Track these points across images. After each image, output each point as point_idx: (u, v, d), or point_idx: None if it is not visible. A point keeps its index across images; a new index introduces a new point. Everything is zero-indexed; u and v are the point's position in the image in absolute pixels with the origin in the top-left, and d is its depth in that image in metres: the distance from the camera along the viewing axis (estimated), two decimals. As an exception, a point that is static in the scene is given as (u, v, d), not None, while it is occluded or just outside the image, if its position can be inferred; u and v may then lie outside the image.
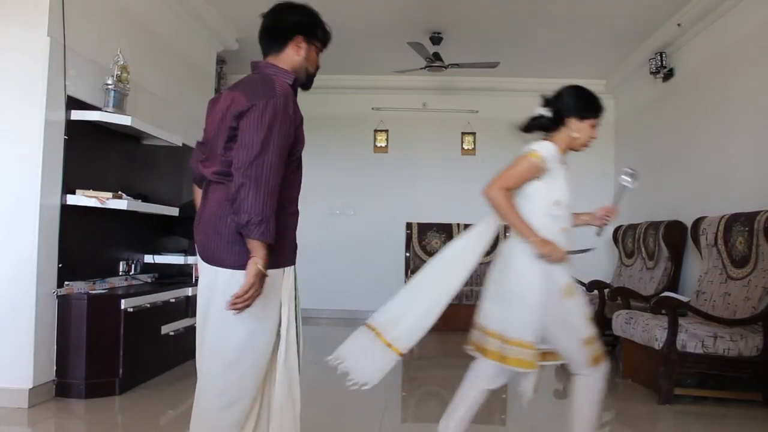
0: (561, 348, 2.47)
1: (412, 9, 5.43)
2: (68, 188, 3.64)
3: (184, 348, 4.49)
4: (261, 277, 1.84)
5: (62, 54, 3.55)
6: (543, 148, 2.42)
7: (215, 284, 1.96)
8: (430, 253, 7.42)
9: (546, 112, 2.53)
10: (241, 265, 1.87)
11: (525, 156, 2.42)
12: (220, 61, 6.47)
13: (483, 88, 7.52)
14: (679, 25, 5.35)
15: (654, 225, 5.67)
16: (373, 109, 7.67)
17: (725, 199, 4.74)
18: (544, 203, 2.44)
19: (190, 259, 4.65)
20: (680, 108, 5.69)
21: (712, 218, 4.51)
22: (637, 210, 6.64)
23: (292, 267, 2.07)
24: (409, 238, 7.47)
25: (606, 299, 5.30)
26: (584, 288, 6.16)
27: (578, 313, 2.42)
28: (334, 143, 7.51)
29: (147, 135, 4.29)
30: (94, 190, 3.74)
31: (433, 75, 6.71)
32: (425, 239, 7.47)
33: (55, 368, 3.53)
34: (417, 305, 2.47)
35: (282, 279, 2.02)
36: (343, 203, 7.64)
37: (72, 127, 3.66)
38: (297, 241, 2.10)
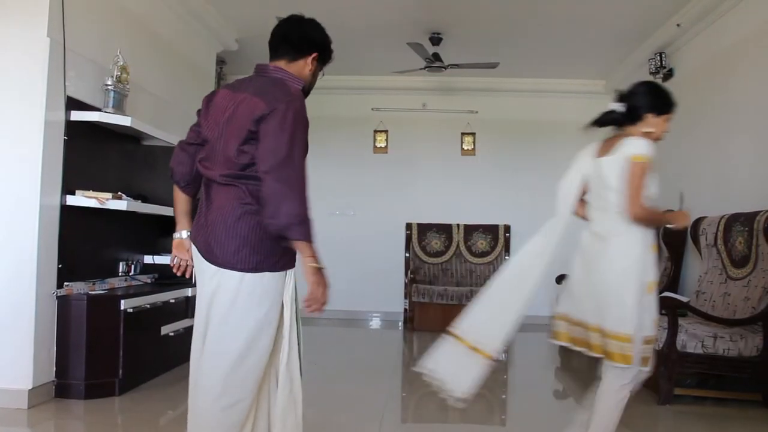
0: None
1: (412, 9, 5.43)
2: (68, 189, 3.64)
3: (183, 348, 4.46)
4: (321, 273, 1.94)
5: (62, 54, 3.55)
6: (644, 148, 2.46)
7: (224, 286, 1.97)
8: (430, 254, 7.43)
9: (620, 108, 2.57)
10: (252, 268, 1.94)
11: (635, 164, 2.43)
12: (220, 62, 6.48)
13: (483, 89, 7.52)
14: (678, 25, 5.35)
15: (654, 225, 5.67)
16: (372, 109, 7.67)
17: (725, 199, 4.74)
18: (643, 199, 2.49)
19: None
20: (680, 108, 5.63)
21: (712, 218, 4.51)
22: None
23: (293, 270, 2.09)
24: (408, 238, 7.48)
25: (606, 299, 5.29)
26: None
27: (652, 311, 2.47)
28: (334, 144, 7.50)
29: (147, 135, 4.29)
30: (93, 190, 3.74)
31: (433, 75, 6.72)
32: (425, 239, 7.48)
33: (54, 369, 3.53)
34: (497, 306, 2.54)
35: (284, 282, 2.05)
36: (342, 204, 7.64)
37: (72, 127, 3.66)
38: None
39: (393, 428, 3.45)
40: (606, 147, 2.58)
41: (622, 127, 2.57)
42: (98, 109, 3.84)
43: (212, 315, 1.99)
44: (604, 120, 2.61)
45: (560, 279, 6.74)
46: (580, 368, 5.24)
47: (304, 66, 2.09)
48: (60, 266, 3.57)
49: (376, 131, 7.75)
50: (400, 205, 7.64)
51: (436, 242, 7.47)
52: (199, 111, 2.15)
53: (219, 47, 6.08)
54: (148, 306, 3.96)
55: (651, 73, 5.95)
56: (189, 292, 4.51)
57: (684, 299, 4.28)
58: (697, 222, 4.70)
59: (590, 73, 7.23)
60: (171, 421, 3.42)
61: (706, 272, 4.47)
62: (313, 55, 2.10)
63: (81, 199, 3.66)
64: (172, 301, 4.29)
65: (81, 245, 3.81)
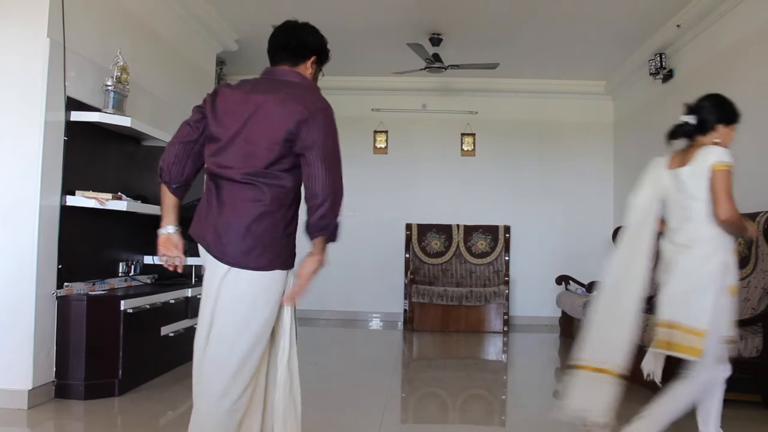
0: None
1: (412, 10, 5.43)
2: (68, 189, 3.64)
3: (183, 349, 4.48)
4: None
5: (62, 55, 3.55)
6: (724, 155, 2.57)
7: (235, 285, 1.98)
8: (430, 254, 7.43)
9: (691, 120, 2.73)
10: (264, 266, 1.98)
11: (720, 171, 2.55)
12: (220, 62, 6.48)
13: (483, 89, 7.53)
14: (678, 26, 5.36)
15: (654, 226, 5.67)
16: (372, 110, 7.68)
17: (725, 200, 4.73)
18: None
19: (190, 260, 4.63)
20: (680, 109, 5.66)
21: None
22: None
23: (293, 269, 2.11)
24: (408, 239, 7.48)
25: (606, 300, 5.29)
26: (584, 289, 6.18)
27: (730, 313, 2.61)
28: (334, 144, 7.49)
29: (146, 136, 4.29)
30: (93, 191, 3.74)
31: (433, 76, 6.72)
32: (425, 240, 7.48)
33: (54, 369, 3.53)
34: (608, 326, 2.67)
35: (286, 280, 2.07)
36: (342, 204, 7.63)
37: (72, 128, 3.66)
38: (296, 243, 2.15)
39: (393, 428, 3.45)
40: (680, 158, 2.71)
41: (692, 139, 2.72)
42: (98, 110, 3.84)
43: (220, 313, 2.00)
44: (677, 132, 2.77)
45: (560, 280, 6.76)
46: (579, 369, 5.24)
47: (304, 70, 2.16)
48: (60, 266, 3.57)
49: (376, 132, 7.76)
50: (400, 205, 7.64)
51: (436, 243, 7.47)
52: (198, 107, 2.15)
53: (219, 48, 6.08)
54: (148, 306, 3.96)
55: (651, 74, 5.96)
56: (189, 292, 4.51)
57: (684, 300, 4.27)
58: (697, 223, 4.70)
59: (590, 73, 7.24)
60: (171, 421, 3.42)
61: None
62: (312, 58, 2.17)
63: (81, 199, 3.66)
64: (172, 301, 4.29)
65: (81, 245, 3.81)
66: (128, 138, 4.35)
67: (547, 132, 7.66)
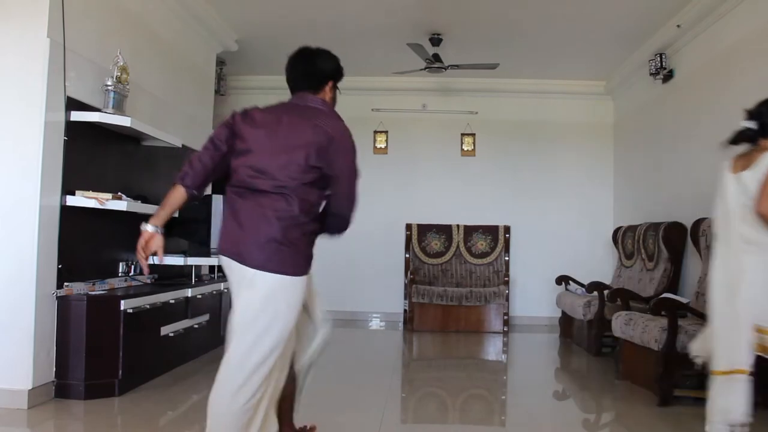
0: None
1: (412, 10, 5.43)
2: (68, 189, 3.64)
3: (183, 349, 4.49)
4: None
5: (62, 55, 3.55)
6: None
7: (277, 289, 2.18)
8: (430, 254, 7.43)
9: (752, 125, 2.82)
10: (301, 271, 2.23)
11: None
12: (220, 63, 6.47)
13: (483, 90, 7.53)
14: (678, 26, 5.36)
15: (654, 226, 5.68)
16: (372, 110, 7.68)
17: (725, 200, 4.73)
18: None
19: (190, 260, 4.65)
20: (680, 109, 5.69)
21: (712, 219, 4.50)
22: (637, 211, 6.65)
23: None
24: (408, 239, 7.48)
25: (605, 300, 5.30)
26: (584, 289, 6.18)
27: None
28: (334, 144, 7.48)
29: (146, 136, 4.30)
30: (93, 191, 3.74)
31: (433, 76, 6.72)
32: (425, 240, 7.48)
33: (54, 369, 3.53)
34: (727, 331, 2.77)
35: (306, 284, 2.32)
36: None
37: (72, 128, 3.66)
38: None
39: (393, 428, 3.45)
40: (742, 162, 2.80)
41: (755, 143, 2.81)
42: (98, 110, 3.84)
43: (260, 318, 2.18)
44: (739, 138, 2.86)
45: (560, 280, 6.76)
46: (579, 369, 5.25)
47: (324, 95, 2.43)
48: (60, 266, 3.58)
49: (376, 132, 7.76)
50: (400, 205, 7.64)
51: (435, 243, 7.47)
52: (226, 125, 2.34)
53: (219, 48, 6.08)
54: (148, 306, 3.96)
55: (651, 74, 5.96)
56: (189, 292, 4.52)
57: (684, 300, 4.28)
58: (697, 223, 4.70)
59: (590, 73, 7.24)
60: (171, 421, 3.42)
61: (706, 273, 4.46)
62: (330, 83, 2.45)
63: (81, 199, 3.66)
64: (172, 301, 4.29)
65: (81, 245, 3.82)
66: (128, 138, 4.35)
67: (547, 132, 7.66)
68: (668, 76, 5.82)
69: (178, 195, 2.34)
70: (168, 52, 5.05)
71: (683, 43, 5.54)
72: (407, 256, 7.42)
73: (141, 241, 2.34)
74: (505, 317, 6.80)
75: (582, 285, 6.41)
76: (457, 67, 6.12)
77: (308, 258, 2.29)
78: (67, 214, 3.63)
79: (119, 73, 3.91)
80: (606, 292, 5.34)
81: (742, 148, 2.88)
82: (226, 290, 5.01)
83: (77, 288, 3.70)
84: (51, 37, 3.48)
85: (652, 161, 6.34)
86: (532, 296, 7.47)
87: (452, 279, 7.34)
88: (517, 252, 7.52)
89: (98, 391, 3.58)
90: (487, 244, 7.42)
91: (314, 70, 2.39)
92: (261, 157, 2.23)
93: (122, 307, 3.69)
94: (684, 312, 4.00)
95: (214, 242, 4.66)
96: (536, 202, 7.66)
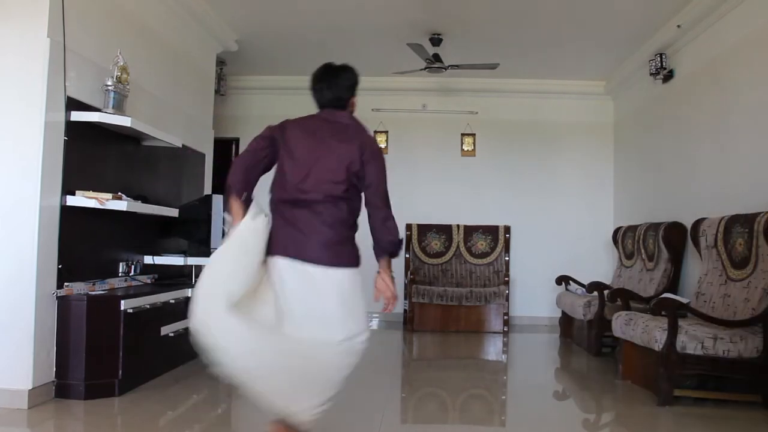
0: None
1: (412, 10, 5.43)
2: (68, 189, 3.64)
3: (183, 349, 4.49)
4: None
5: (62, 55, 3.55)
6: None
7: (343, 279, 2.69)
8: (430, 255, 7.43)
9: None
10: (356, 263, 2.79)
11: None
12: (220, 62, 6.47)
13: (483, 90, 7.53)
14: (679, 26, 5.35)
15: (654, 226, 5.68)
16: (372, 110, 7.67)
17: (725, 200, 4.74)
18: None
19: (190, 260, 4.65)
20: (680, 109, 5.69)
21: (712, 219, 4.51)
22: (637, 211, 6.65)
23: None
24: (408, 239, 7.48)
25: (606, 300, 5.30)
26: (584, 289, 6.18)
27: None
28: (334, 144, 7.48)
29: (147, 136, 4.29)
30: (93, 191, 3.74)
31: (433, 76, 6.72)
32: (425, 240, 7.48)
33: (54, 369, 3.53)
34: None
35: None
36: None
37: (72, 128, 3.66)
38: None
39: (393, 428, 3.45)
40: None
41: None
42: (98, 110, 3.84)
43: (330, 301, 2.65)
44: None
45: (560, 280, 6.76)
46: (579, 369, 5.25)
47: (349, 107, 2.77)
48: (60, 266, 3.57)
49: (376, 132, 7.75)
50: (400, 205, 7.50)
51: (436, 243, 7.47)
52: (264, 137, 2.61)
53: (219, 48, 6.07)
54: (148, 306, 3.96)
55: (651, 74, 5.96)
56: (189, 292, 4.51)
57: (684, 300, 4.28)
58: (697, 223, 4.70)
59: (590, 74, 7.24)
60: (171, 421, 3.42)
61: (706, 273, 4.47)
62: (353, 98, 2.81)
63: (81, 199, 3.66)
64: (172, 301, 4.29)
65: (81, 245, 3.81)
66: (128, 138, 4.35)
67: (547, 132, 7.65)
68: (668, 76, 5.83)
69: (235, 203, 2.56)
70: (168, 52, 5.04)
71: (683, 43, 5.54)
72: (407, 256, 7.42)
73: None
74: (505, 317, 6.80)
75: (582, 285, 6.41)
76: (457, 67, 6.12)
77: (357, 252, 2.78)
78: (67, 214, 3.63)
79: (119, 73, 3.91)
80: (606, 292, 5.34)
81: None
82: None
83: (77, 288, 3.70)
84: (51, 37, 3.48)
85: (652, 161, 6.34)
86: (532, 296, 7.47)
87: (452, 279, 7.34)
88: (517, 252, 7.52)
89: (98, 391, 3.58)
90: (487, 244, 7.42)
91: (341, 94, 2.71)
92: (299, 170, 2.54)
93: (122, 307, 3.69)
94: (684, 312, 4.00)
95: (214, 242, 4.66)
96: (536, 202, 7.66)
